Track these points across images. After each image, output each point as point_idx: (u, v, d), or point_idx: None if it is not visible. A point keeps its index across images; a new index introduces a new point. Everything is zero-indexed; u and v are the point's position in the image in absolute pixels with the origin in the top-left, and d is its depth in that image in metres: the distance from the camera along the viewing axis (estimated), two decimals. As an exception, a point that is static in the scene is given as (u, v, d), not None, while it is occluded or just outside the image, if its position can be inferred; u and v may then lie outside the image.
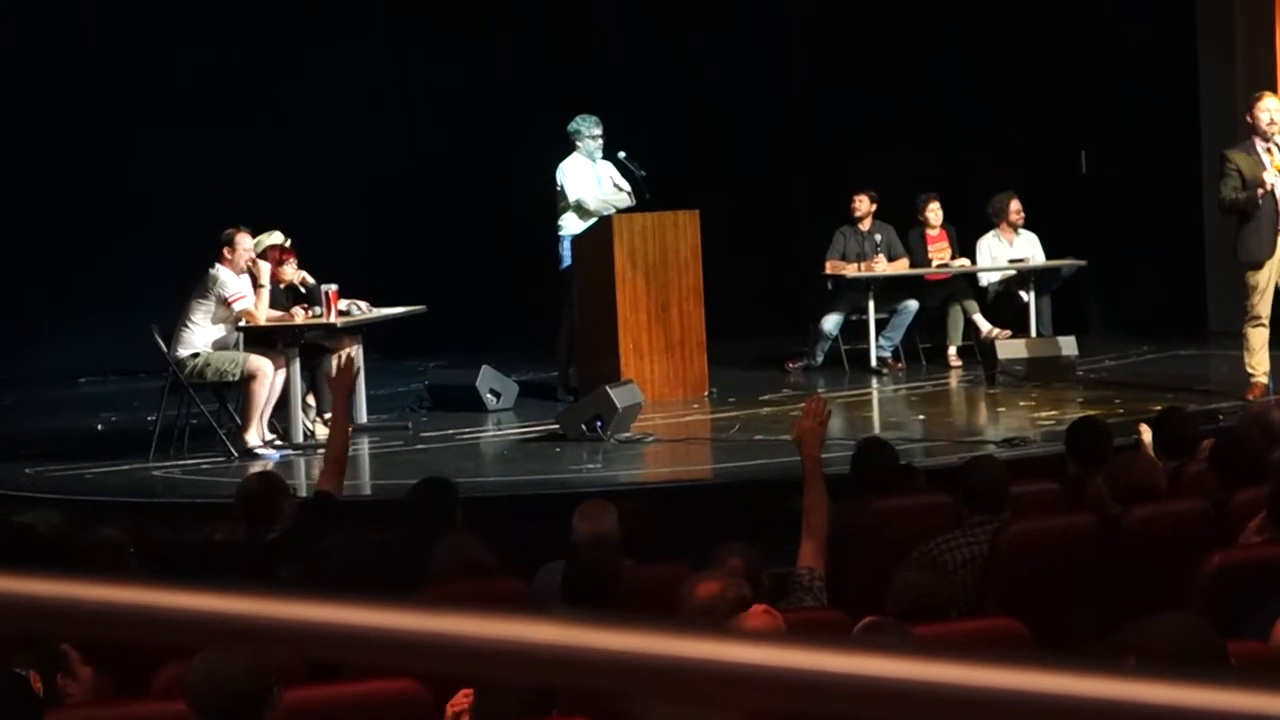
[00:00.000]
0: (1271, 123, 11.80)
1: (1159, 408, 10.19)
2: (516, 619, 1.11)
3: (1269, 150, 11.80)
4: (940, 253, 15.12)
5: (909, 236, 15.11)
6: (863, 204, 14.89)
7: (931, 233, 15.16)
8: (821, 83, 17.94)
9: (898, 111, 17.72)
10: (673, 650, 1.08)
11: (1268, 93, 12.37)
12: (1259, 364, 12.02)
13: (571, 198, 13.37)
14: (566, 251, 13.36)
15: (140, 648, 5.02)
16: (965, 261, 15.05)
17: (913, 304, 14.69)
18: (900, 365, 14.75)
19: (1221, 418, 11.38)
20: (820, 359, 14.84)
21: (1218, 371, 13.56)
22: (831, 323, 14.74)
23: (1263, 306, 11.91)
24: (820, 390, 13.42)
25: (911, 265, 14.98)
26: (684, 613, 5.08)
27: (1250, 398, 11.82)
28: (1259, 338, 11.97)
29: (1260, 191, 11.69)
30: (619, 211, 13.27)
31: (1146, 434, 8.72)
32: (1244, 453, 7.85)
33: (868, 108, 17.60)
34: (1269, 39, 16.41)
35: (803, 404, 7.38)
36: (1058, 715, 1.02)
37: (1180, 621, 4.08)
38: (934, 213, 15.20)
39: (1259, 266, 11.85)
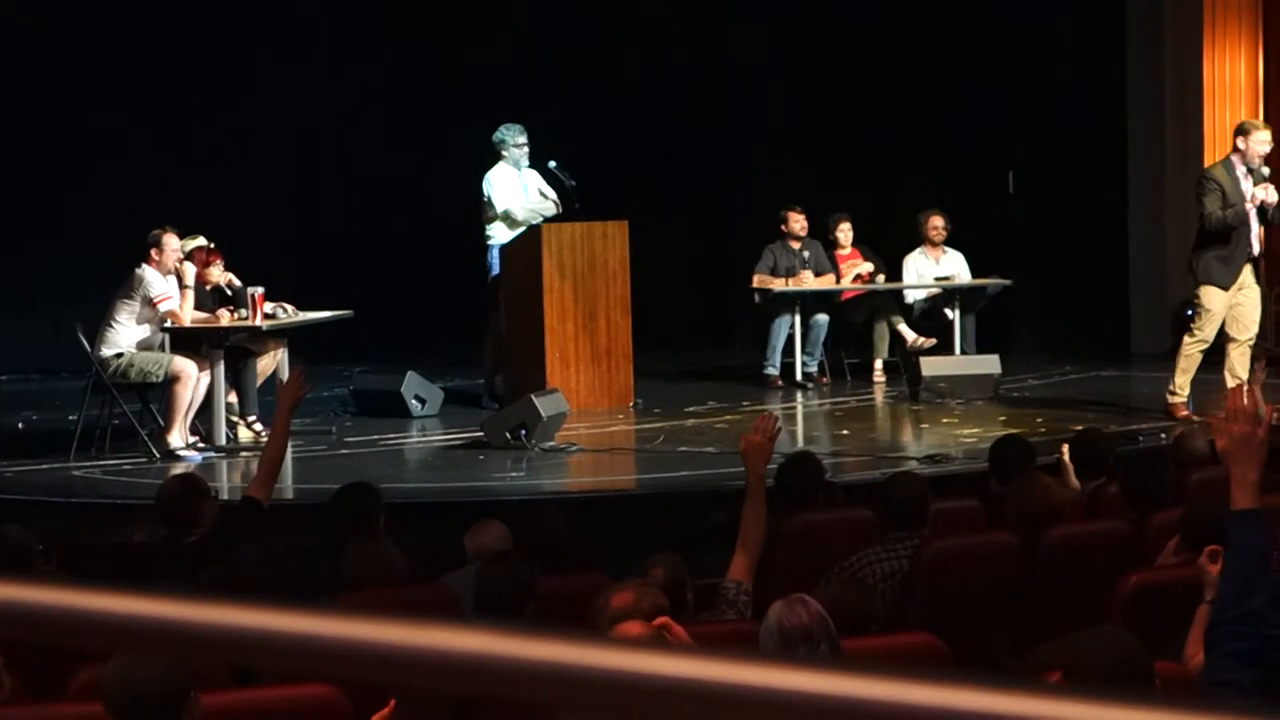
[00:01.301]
0: (1264, 155, 11.92)
1: (1079, 427, 10.26)
2: (436, 626, 1.10)
3: (1248, 177, 11.90)
4: (852, 271, 15.17)
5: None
6: (800, 220, 14.91)
7: (842, 252, 15.21)
8: (753, 96, 18.00)
9: (828, 128, 17.78)
10: (591, 661, 1.08)
11: (1263, 125, 12.44)
12: (1186, 386, 12.10)
13: (499, 207, 13.34)
14: (495, 260, 13.34)
15: (56, 650, 4.97)
16: (881, 278, 15.08)
17: (823, 318, 14.72)
18: (825, 380, 14.78)
19: (1141, 438, 11.47)
20: (777, 368, 14.71)
21: (1139, 392, 13.67)
22: (781, 332, 14.64)
23: (1210, 330, 11.98)
24: (745, 405, 13.44)
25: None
26: (598, 623, 5.07)
27: (1176, 417, 11.91)
28: (1196, 361, 12.04)
29: (1248, 206, 11.79)
30: (547, 220, 13.25)
31: (1067, 454, 8.77)
32: (1154, 477, 7.90)
33: (799, 123, 17.66)
34: (1197, 64, 16.55)
35: (740, 419, 7.39)
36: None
37: (1110, 638, 4.09)
38: (844, 233, 15.25)
39: (1222, 289, 11.91)
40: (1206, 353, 12.07)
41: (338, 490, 7.81)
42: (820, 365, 14.86)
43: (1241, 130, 12.15)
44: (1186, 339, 12.08)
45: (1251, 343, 12.14)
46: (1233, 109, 16.67)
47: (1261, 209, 11.91)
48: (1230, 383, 12.01)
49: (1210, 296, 11.92)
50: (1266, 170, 12.02)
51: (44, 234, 16.14)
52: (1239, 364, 12.02)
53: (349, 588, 6.35)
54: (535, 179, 13.55)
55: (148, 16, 16.54)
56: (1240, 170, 11.90)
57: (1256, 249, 12.06)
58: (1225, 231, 11.81)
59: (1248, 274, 12.04)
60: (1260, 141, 11.93)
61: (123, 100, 16.45)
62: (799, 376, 14.59)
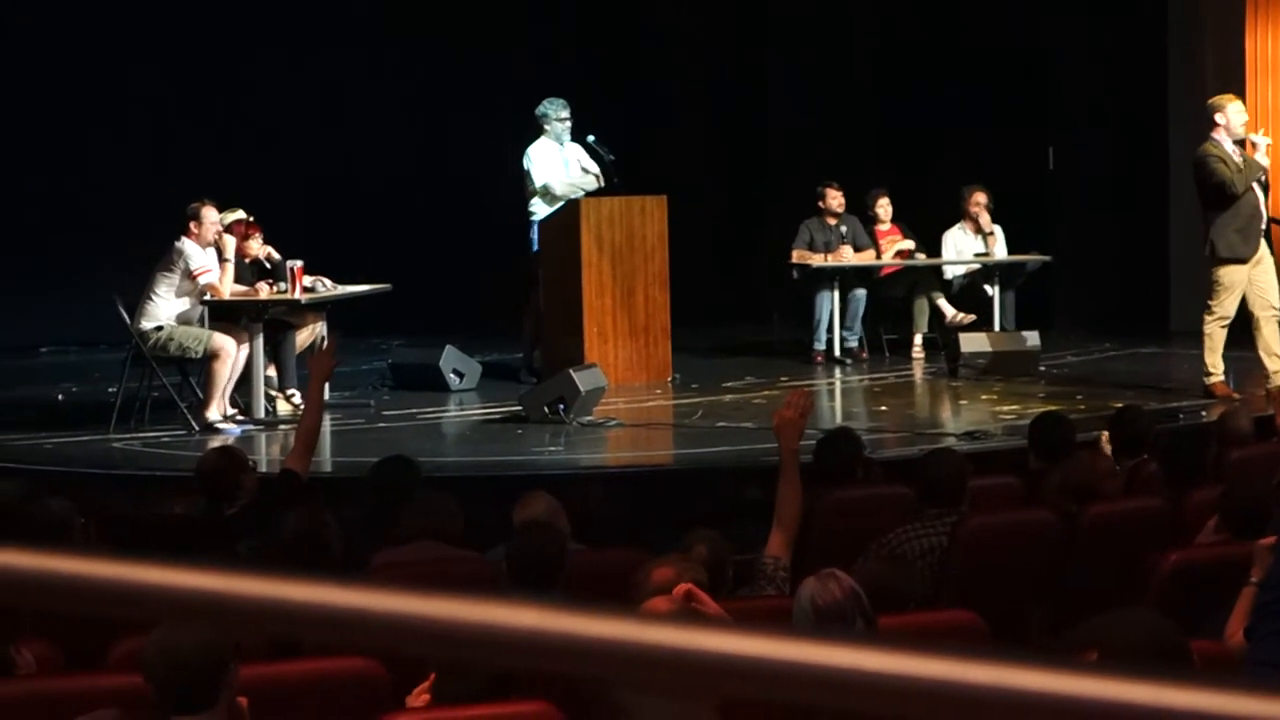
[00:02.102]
0: (1245, 124, 11.98)
1: (1119, 405, 10.23)
2: (478, 601, 1.11)
3: (1239, 149, 11.91)
4: (892, 248, 15.13)
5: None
6: (837, 196, 14.88)
7: (882, 228, 15.16)
8: (791, 72, 17.95)
9: (865, 104, 17.74)
10: (635, 636, 1.08)
11: (1232, 97, 12.46)
12: (1219, 364, 12.07)
13: (538, 182, 13.34)
14: (536, 235, 13.34)
15: (95, 621, 5.00)
16: (921, 255, 15.04)
17: (861, 292, 14.69)
18: (865, 355, 14.75)
19: (1181, 416, 11.43)
20: (823, 344, 14.69)
21: (1179, 370, 13.61)
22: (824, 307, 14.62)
23: (1231, 305, 11.95)
24: (784, 380, 13.43)
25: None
26: (639, 597, 5.07)
27: (1217, 395, 11.88)
28: (1221, 337, 12.01)
29: (1259, 165, 11.84)
30: (586, 195, 13.25)
31: (1105, 437, 8.75)
32: (1193, 455, 7.89)
33: (836, 99, 17.61)
34: (1238, 39, 16.46)
35: (778, 394, 7.40)
36: (1014, 709, 1.01)
37: (1144, 619, 4.09)
38: (884, 208, 15.20)
39: (1240, 263, 11.89)
40: (1234, 329, 12.04)
41: (376, 463, 7.83)
42: (860, 340, 14.83)
43: (1215, 107, 12.15)
44: (1206, 317, 12.04)
45: (1277, 317, 12.10)
46: (1275, 84, 16.58)
47: (1264, 182, 11.95)
48: (1269, 362, 11.98)
49: (1230, 273, 11.91)
50: (1260, 135, 12.20)
51: (83, 206, 16.18)
52: (1273, 340, 11.99)
53: (409, 539, 6.43)
54: (577, 153, 13.54)
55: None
56: (1228, 145, 11.91)
57: (1266, 218, 12.07)
58: (1237, 197, 11.81)
59: (1262, 247, 12.04)
60: (1237, 112, 12.02)
61: (163, 71, 16.49)
62: (838, 352, 14.57)
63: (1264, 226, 12.09)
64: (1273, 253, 12.32)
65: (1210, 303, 12.04)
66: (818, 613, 4.97)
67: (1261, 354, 11.99)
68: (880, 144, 17.39)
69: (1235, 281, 11.91)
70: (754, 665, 1.06)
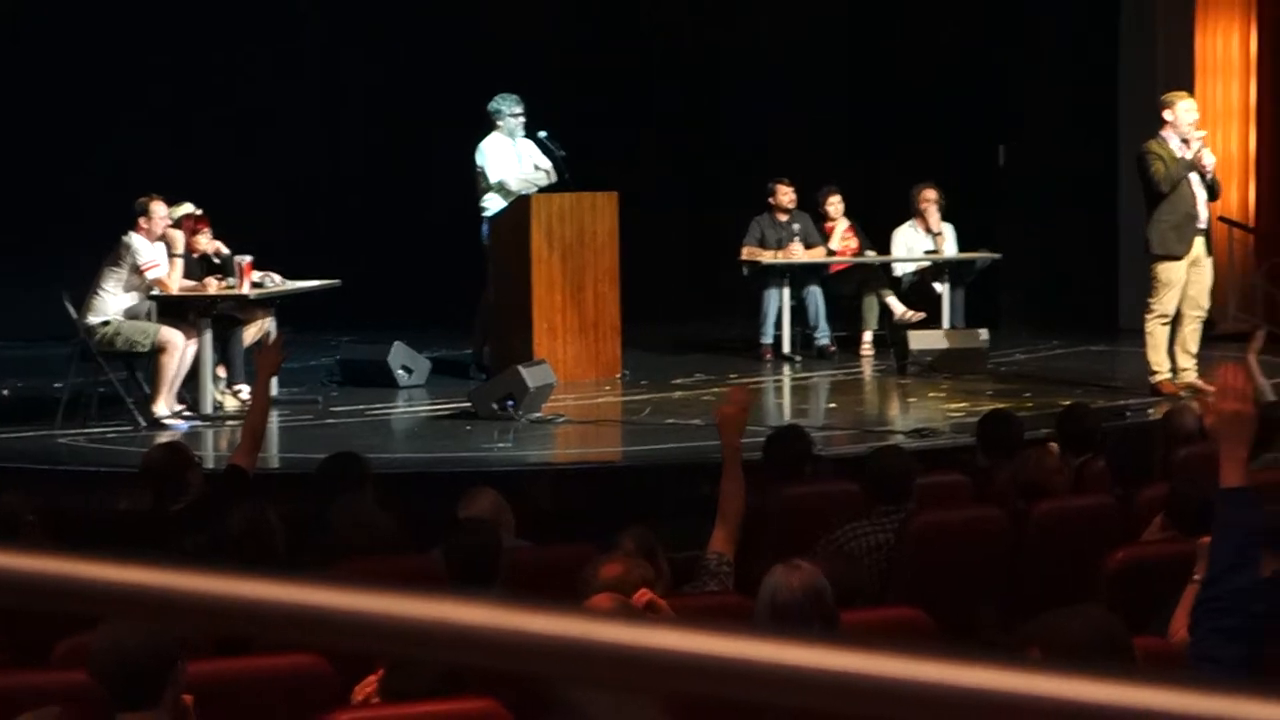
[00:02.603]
0: (1194, 123, 12.05)
1: (1067, 402, 10.28)
2: (424, 598, 1.11)
3: (1183, 147, 11.98)
4: (843, 243, 15.16)
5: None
6: (788, 193, 14.90)
7: (831, 225, 15.19)
8: (744, 69, 17.97)
9: (818, 100, 17.77)
10: (580, 634, 1.08)
11: (1185, 94, 12.53)
12: (1164, 361, 12.15)
13: (493, 179, 13.32)
14: (488, 232, 13.33)
15: (40, 617, 4.98)
16: (872, 252, 15.08)
17: (816, 289, 14.72)
18: (833, 348, 14.69)
19: (1128, 414, 11.50)
20: (770, 339, 14.71)
21: (1126, 368, 13.67)
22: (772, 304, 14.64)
23: (1170, 303, 12.04)
24: (734, 378, 13.44)
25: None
26: (586, 593, 5.08)
27: (1164, 393, 11.97)
28: (1164, 334, 12.11)
29: (1193, 158, 11.89)
30: (539, 191, 13.24)
31: (1054, 449, 8.78)
32: (1140, 452, 7.93)
33: (790, 95, 17.64)
34: (1188, 40, 16.54)
35: (725, 391, 7.40)
36: (957, 705, 1.02)
37: (1089, 616, 4.11)
38: (834, 205, 15.22)
39: (1175, 260, 11.98)
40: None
41: (324, 459, 7.82)
42: (830, 337, 14.75)
43: (1165, 104, 12.23)
44: (1146, 315, 12.14)
45: (1203, 319, 12.23)
46: (1224, 85, 16.68)
47: (1207, 182, 12.01)
48: (1182, 359, 12.11)
49: (1167, 270, 12.01)
50: (1204, 133, 12.27)
51: (31, 201, 16.10)
52: (1192, 340, 12.13)
53: (336, 553, 6.37)
54: (530, 149, 13.52)
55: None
56: (1174, 142, 11.98)
57: (1204, 219, 12.13)
58: (1173, 190, 11.87)
59: (1199, 246, 12.11)
60: (1186, 110, 12.10)
61: (112, 67, 16.40)
62: (787, 348, 14.59)
63: (1203, 226, 12.14)
64: (1211, 254, 12.40)
65: (1150, 300, 12.14)
66: (778, 600, 5.00)
67: (1177, 349, 12.14)
68: (833, 141, 17.41)
69: (1174, 279, 12.00)
70: (698, 662, 1.06)
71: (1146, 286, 12.37)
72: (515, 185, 13.29)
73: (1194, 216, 12.03)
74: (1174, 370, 12.22)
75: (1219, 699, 0.96)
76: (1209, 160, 12.08)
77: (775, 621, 4.96)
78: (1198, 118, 12.31)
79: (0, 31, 16.24)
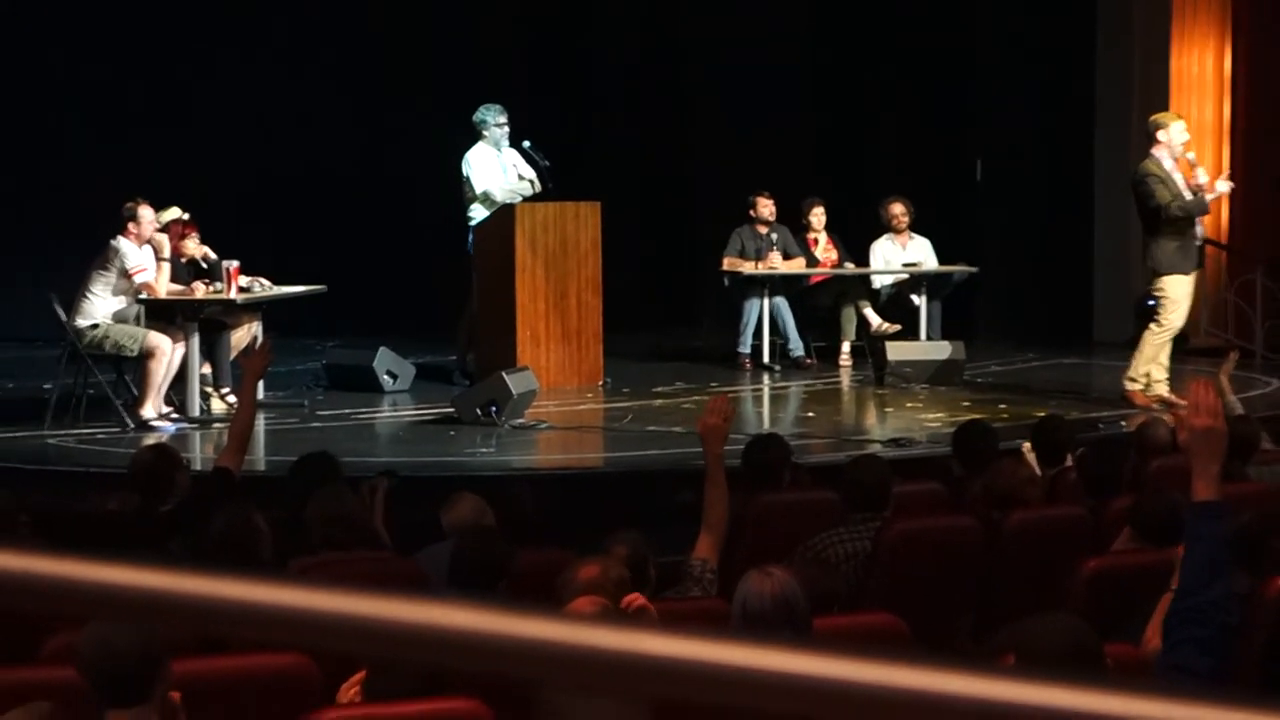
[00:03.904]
0: (1186, 144, 12.07)
1: (1042, 414, 10.30)
2: (409, 600, 1.11)
3: (1175, 169, 12.00)
4: (823, 255, 15.16)
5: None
6: (768, 205, 14.92)
7: (813, 236, 15.19)
8: (724, 84, 17.98)
9: (798, 116, 17.78)
10: (561, 637, 1.08)
11: (1175, 116, 12.56)
12: (1145, 375, 12.17)
13: (478, 188, 13.32)
14: (474, 240, 13.33)
15: (28, 616, 4.97)
16: (851, 264, 15.08)
17: (780, 300, 14.70)
18: (810, 361, 14.69)
19: (1101, 426, 11.52)
20: (748, 349, 14.70)
21: (1100, 381, 13.70)
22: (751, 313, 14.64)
23: (1178, 319, 12.08)
24: (714, 386, 13.44)
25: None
26: (564, 596, 5.08)
27: (1137, 404, 12.00)
28: (1161, 350, 12.13)
29: (1204, 193, 11.92)
30: (524, 200, 13.24)
31: (1027, 446, 8.80)
32: (1113, 464, 7.95)
33: (769, 110, 17.65)
34: (1164, 59, 16.58)
35: (708, 400, 7.39)
36: (931, 712, 1.02)
37: (1062, 624, 4.11)
38: (817, 217, 15.23)
39: (1185, 276, 12.00)
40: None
41: (297, 460, 7.82)
42: (806, 348, 14.75)
43: (1158, 125, 12.25)
44: (1154, 328, 12.13)
45: (1176, 333, 12.27)
46: (1199, 104, 16.71)
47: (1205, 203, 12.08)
48: (1156, 371, 12.15)
49: (1175, 285, 12.01)
50: (1193, 154, 12.28)
51: (21, 204, 16.07)
52: (1165, 352, 12.19)
53: (316, 549, 6.37)
54: (515, 158, 13.53)
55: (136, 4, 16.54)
56: (1167, 163, 12.00)
57: (1201, 235, 12.19)
58: (1182, 219, 11.91)
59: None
60: (1179, 132, 12.11)
61: (99, 69, 16.39)
62: (766, 358, 14.60)
63: (1199, 244, 12.21)
64: (1203, 269, 12.47)
65: (1158, 316, 12.12)
66: (752, 605, 5.00)
67: (1153, 365, 12.17)
68: (812, 155, 17.42)
69: (1181, 294, 12.03)
70: (679, 666, 1.06)
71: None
72: (500, 195, 13.29)
73: (1194, 235, 12.07)
74: (1147, 383, 12.25)
75: (1190, 708, 0.96)
76: (1204, 179, 12.12)
77: (747, 627, 4.96)
78: (1189, 138, 12.32)
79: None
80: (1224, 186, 12.26)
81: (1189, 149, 12.22)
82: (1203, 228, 12.27)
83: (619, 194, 15.50)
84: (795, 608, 5.02)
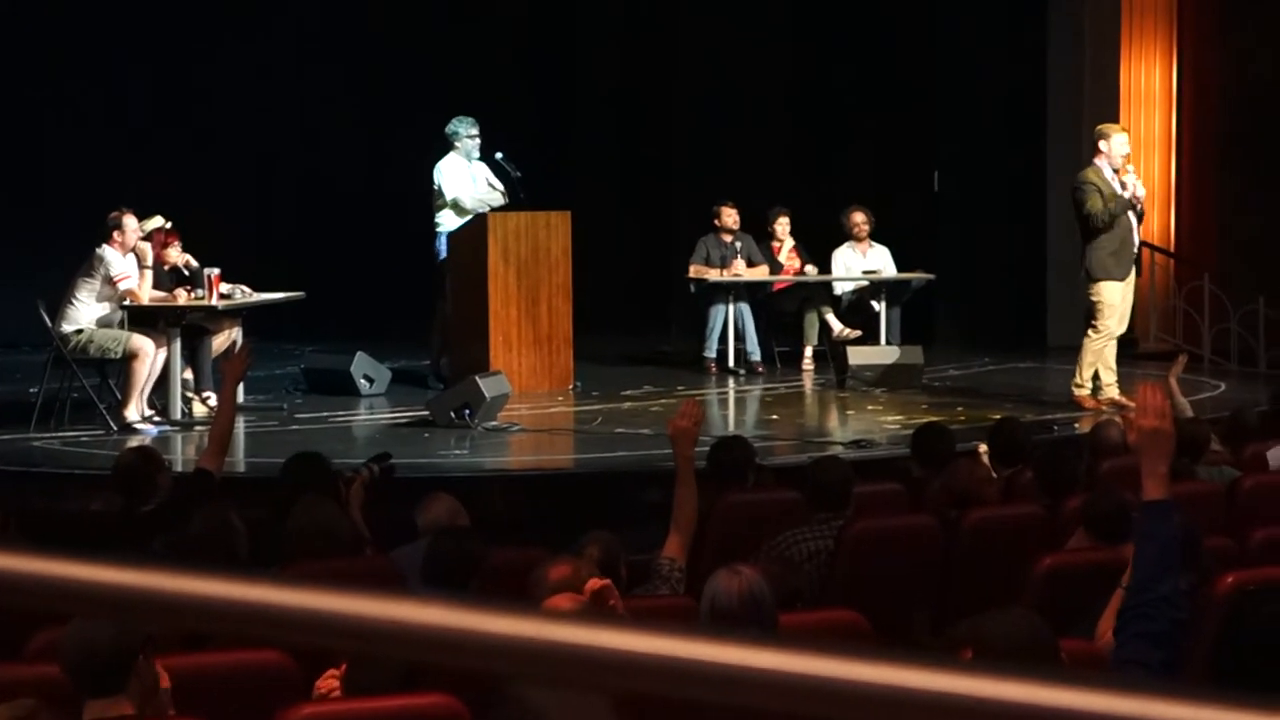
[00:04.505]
0: (1126, 156, 12.13)
1: (998, 416, 10.32)
2: (385, 597, 1.10)
3: (1115, 177, 12.06)
4: (787, 263, 15.17)
5: (759, 249, 15.14)
6: (732, 214, 14.93)
7: (778, 244, 15.20)
8: (693, 97, 18.01)
9: (766, 128, 17.79)
10: (535, 633, 1.08)
11: (1118, 127, 12.61)
12: (1091, 378, 12.24)
13: (448, 196, 13.34)
14: (442, 246, 13.34)
15: (14, 613, 4.95)
16: (812, 269, 15.08)
17: (743, 306, 14.70)
18: (761, 369, 14.72)
19: (1055, 428, 11.55)
20: (714, 353, 14.70)
21: (1054, 384, 13.73)
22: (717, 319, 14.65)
23: (1115, 324, 12.12)
24: (681, 389, 13.45)
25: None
26: (537, 594, 5.07)
27: (1087, 407, 12.05)
28: (1105, 354, 12.17)
29: (1130, 196, 11.96)
30: (493, 210, 13.25)
31: (983, 448, 8.83)
32: (1066, 464, 7.97)
33: (738, 122, 17.67)
34: (1114, 72, 16.65)
35: (675, 402, 7.40)
36: (892, 705, 1.02)
37: (1018, 619, 4.12)
38: (782, 226, 15.24)
39: (1119, 282, 12.05)
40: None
41: (288, 459, 7.80)
42: (761, 354, 14.74)
43: (1101, 135, 12.31)
44: (1092, 334, 12.19)
45: (1118, 336, 12.32)
46: (1147, 114, 16.79)
47: (1138, 212, 12.13)
48: (1104, 375, 12.20)
49: (1109, 291, 12.07)
50: (1131, 167, 12.34)
51: (6, 211, 16.02)
52: (1110, 355, 12.27)
53: (298, 545, 6.34)
54: (484, 170, 13.54)
55: (118, 10, 16.46)
56: (1108, 172, 12.06)
57: (1137, 244, 12.24)
58: (1111, 224, 11.96)
59: (1131, 271, 12.22)
60: (1120, 144, 12.19)
61: (85, 81, 16.35)
62: (732, 363, 14.61)
63: (1136, 251, 12.25)
64: (1138, 275, 12.52)
65: (1096, 322, 12.16)
66: (715, 608, 5.00)
67: (1100, 367, 12.21)
68: (778, 165, 17.44)
69: (1116, 300, 12.09)
70: (650, 662, 1.06)
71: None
72: (469, 204, 13.29)
73: (1130, 243, 12.12)
74: (1096, 386, 12.30)
75: (1141, 700, 0.96)
76: (1140, 193, 12.19)
77: (715, 623, 4.96)
78: (1129, 151, 12.38)
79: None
80: (1136, 187, 12.27)
81: (1128, 161, 12.26)
82: (1139, 236, 12.30)
83: (592, 204, 15.50)
84: (762, 605, 5.02)
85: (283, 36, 17.41)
